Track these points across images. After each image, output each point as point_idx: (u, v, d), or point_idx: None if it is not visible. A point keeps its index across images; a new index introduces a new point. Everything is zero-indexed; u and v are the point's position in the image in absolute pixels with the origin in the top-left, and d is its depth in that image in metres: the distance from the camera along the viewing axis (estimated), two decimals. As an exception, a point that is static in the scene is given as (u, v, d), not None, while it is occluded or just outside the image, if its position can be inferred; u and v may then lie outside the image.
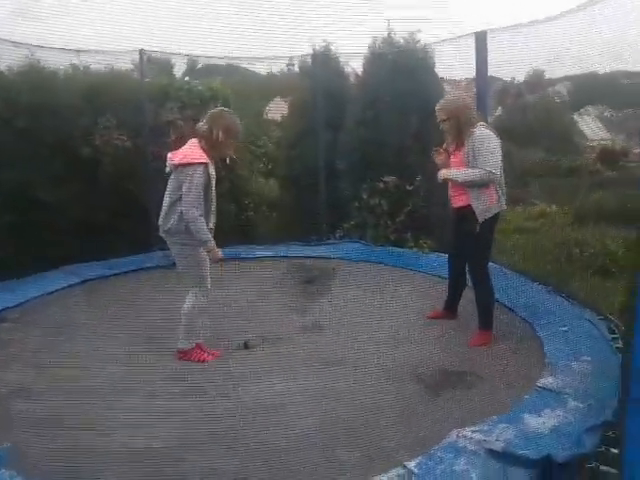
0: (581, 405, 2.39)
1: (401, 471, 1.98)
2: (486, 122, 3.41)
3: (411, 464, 2.00)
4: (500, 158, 3.17)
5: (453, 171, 3.31)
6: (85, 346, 3.44)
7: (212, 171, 3.25)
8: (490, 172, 3.13)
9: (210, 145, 3.20)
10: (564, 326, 3.32)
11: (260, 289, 4.33)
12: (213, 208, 3.35)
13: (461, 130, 3.23)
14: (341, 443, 2.35)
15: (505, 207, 3.35)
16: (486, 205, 3.19)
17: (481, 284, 3.33)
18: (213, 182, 3.27)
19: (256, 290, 4.26)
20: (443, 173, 3.37)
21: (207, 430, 2.50)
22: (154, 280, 4.59)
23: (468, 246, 3.34)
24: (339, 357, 3.23)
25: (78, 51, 5.49)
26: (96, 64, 5.90)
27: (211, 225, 3.34)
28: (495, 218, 3.29)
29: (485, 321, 3.33)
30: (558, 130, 13.57)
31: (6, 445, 2.22)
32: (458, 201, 3.36)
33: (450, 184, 3.41)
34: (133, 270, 5.08)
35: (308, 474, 2.15)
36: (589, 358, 2.86)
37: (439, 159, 3.45)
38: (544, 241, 5.37)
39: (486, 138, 3.15)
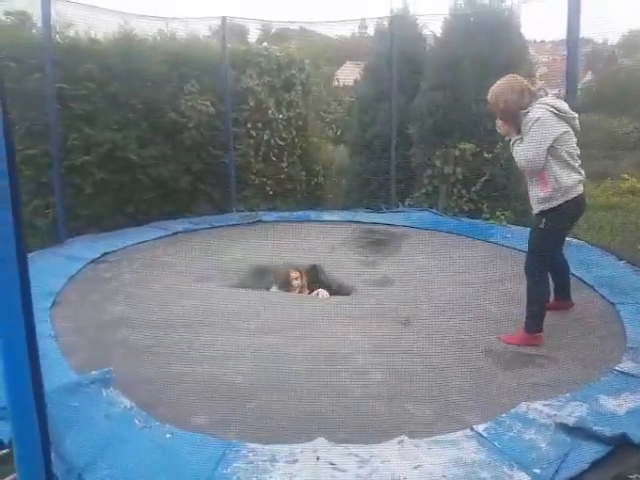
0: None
1: (469, 433, 2.03)
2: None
3: (479, 427, 2.05)
4: (548, 143, 2.78)
5: (517, 142, 2.96)
6: (175, 283, 3.86)
7: None
8: (522, 160, 2.85)
9: None
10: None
11: (328, 248, 4.56)
12: None
13: (504, 118, 2.99)
14: (411, 398, 2.43)
15: (570, 198, 2.85)
16: (539, 195, 2.88)
17: (529, 280, 2.98)
18: None
19: (324, 249, 4.53)
20: (505, 129, 3.06)
21: (279, 371, 2.68)
22: (233, 234, 5.17)
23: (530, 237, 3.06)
24: (412, 317, 3.32)
25: (167, 19, 5.70)
26: (179, 31, 6.13)
27: None
28: (557, 212, 2.85)
29: (527, 321, 2.99)
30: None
31: (110, 368, 2.51)
32: None
33: None
34: (216, 226, 5.49)
35: (377, 423, 2.25)
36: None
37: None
38: (634, 218, 5.01)
39: (533, 122, 2.81)
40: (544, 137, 2.79)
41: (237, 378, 2.62)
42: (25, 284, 1.46)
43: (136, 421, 2.19)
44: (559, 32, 4.82)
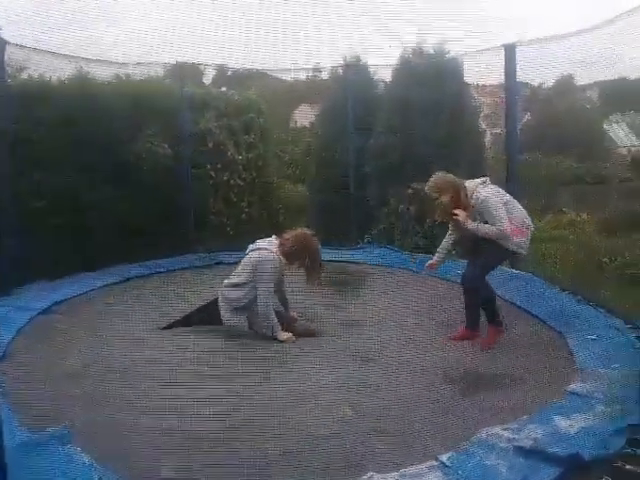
0: (608, 409, 2.46)
1: (434, 463, 2.09)
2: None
3: (443, 457, 2.11)
4: (504, 209, 3.42)
5: (474, 223, 3.49)
6: (130, 332, 3.75)
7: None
8: (501, 231, 3.39)
9: (286, 254, 3.82)
10: (593, 334, 3.38)
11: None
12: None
13: (460, 199, 3.49)
14: (377, 433, 2.47)
15: (523, 251, 3.58)
16: (514, 241, 3.46)
17: (481, 288, 3.55)
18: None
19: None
20: (465, 219, 3.51)
21: (245, 415, 2.66)
22: (190, 277, 5.15)
23: (480, 255, 3.56)
24: (375, 352, 3.39)
25: (123, 63, 5.79)
26: (136, 75, 6.21)
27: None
28: (509, 252, 3.56)
29: (490, 320, 3.56)
30: (588, 136, 13.37)
31: (67, 423, 2.40)
32: None
33: None
34: (172, 270, 5.48)
35: (342, 461, 2.26)
36: (617, 365, 2.91)
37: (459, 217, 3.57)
38: (574, 250, 5.36)
39: (488, 199, 3.41)
40: (500, 208, 3.41)
41: (202, 425, 2.55)
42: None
43: (96, 478, 2.08)
44: (499, 76, 5.23)
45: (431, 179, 3.61)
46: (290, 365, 3.28)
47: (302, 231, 3.99)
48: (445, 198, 3.50)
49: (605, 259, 5.06)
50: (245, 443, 2.41)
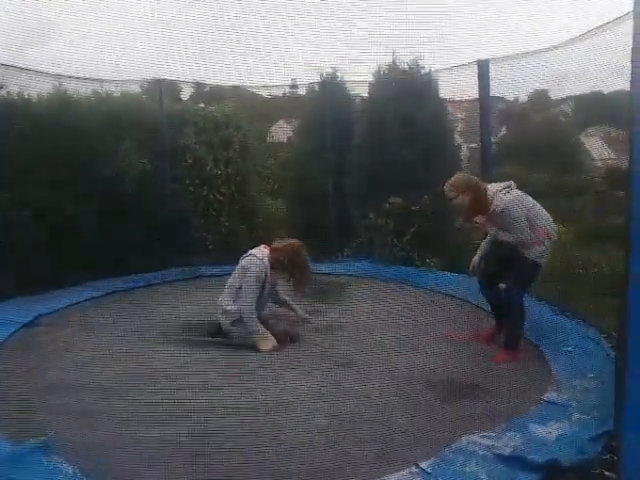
0: (584, 417, 2.52)
1: (414, 470, 2.11)
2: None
3: (424, 464, 2.13)
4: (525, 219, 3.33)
5: (493, 228, 3.51)
6: (113, 345, 3.72)
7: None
8: (522, 240, 3.34)
9: (275, 264, 3.86)
10: (569, 345, 3.45)
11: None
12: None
13: (480, 202, 3.41)
14: (356, 442, 2.47)
15: (543, 260, 3.45)
16: (537, 250, 3.37)
17: (518, 309, 3.46)
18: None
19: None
20: (485, 225, 3.53)
21: (224, 425, 2.64)
22: (172, 291, 5.18)
23: (516, 273, 3.46)
24: (355, 360, 3.42)
25: (101, 80, 5.79)
26: (115, 92, 6.21)
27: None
28: (535, 265, 3.42)
29: (513, 340, 3.47)
30: (564, 149, 13.69)
31: (50, 434, 2.37)
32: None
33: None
34: (154, 284, 5.53)
35: (323, 470, 2.26)
36: (592, 374, 2.99)
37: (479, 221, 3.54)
38: (550, 261, 5.44)
39: (508, 209, 3.32)
40: (520, 218, 3.32)
41: (182, 436, 2.55)
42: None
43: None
44: (474, 91, 5.38)
45: (451, 178, 3.49)
46: (269, 372, 3.30)
47: (293, 243, 4.02)
48: (464, 198, 3.40)
49: (581, 270, 5.16)
50: (225, 452, 2.40)
